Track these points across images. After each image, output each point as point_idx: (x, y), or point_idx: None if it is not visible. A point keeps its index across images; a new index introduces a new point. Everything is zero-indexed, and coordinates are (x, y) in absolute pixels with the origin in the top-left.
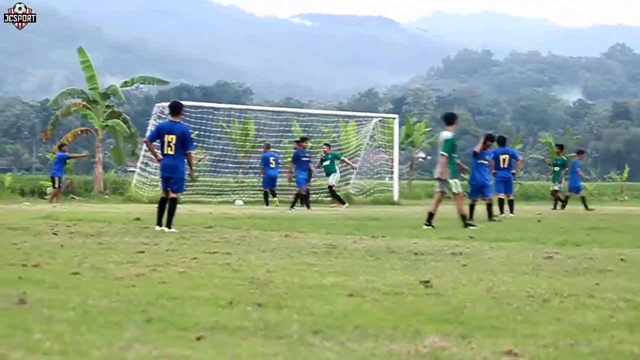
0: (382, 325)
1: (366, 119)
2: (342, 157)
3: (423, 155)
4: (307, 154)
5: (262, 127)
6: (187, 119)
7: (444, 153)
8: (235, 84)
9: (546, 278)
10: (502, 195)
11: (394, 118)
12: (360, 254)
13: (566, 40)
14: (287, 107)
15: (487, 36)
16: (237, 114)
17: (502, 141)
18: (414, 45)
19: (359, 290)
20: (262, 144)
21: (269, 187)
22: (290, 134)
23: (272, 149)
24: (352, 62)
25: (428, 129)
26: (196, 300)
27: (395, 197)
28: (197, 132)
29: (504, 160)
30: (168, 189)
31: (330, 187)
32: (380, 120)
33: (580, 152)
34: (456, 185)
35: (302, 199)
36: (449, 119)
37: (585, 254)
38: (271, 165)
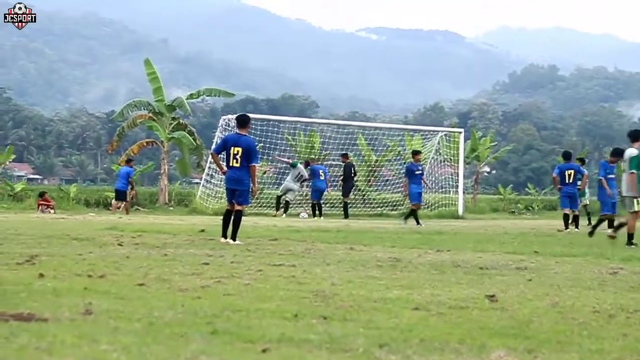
0: (448, 339)
1: (432, 132)
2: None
3: (488, 169)
4: (420, 167)
5: (327, 140)
6: (253, 131)
7: (633, 171)
8: (300, 97)
9: (611, 293)
10: (567, 211)
11: (460, 132)
12: (425, 267)
13: (634, 56)
14: (353, 120)
15: (553, 51)
16: (303, 127)
17: (567, 156)
18: (479, 59)
19: (425, 304)
20: (327, 157)
21: (317, 199)
22: (355, 147)
23: (319, 163)
24: (417, 76)
25: (493, 144)
26: (262, 313)
27: (460, 211)
28: (262, 145)
29: (569, 175)
30: (233, 201)
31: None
32: (445, 135)
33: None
34: (638, 203)
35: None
36: (635, 136)
37: None
38: (320, 178)
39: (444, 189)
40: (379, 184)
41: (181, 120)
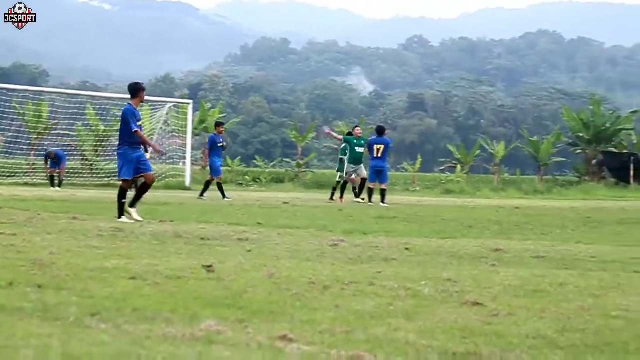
0: (161, 309)
1: (160, 103)
2: None
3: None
4: (222, 139)
5: (56, 110)
6: None
7: None
8: (32, 66)
9: (329, 265)
10: (371, 185)
11: (188, 103)
12: (147, 238)
13: (366, 31)
14: (83, 90)
15: (287, 25)
16: (32, 96)
17: (380, 131)
18: (212, 31)
19: (141, 274)
20: (55, 127)
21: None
22: (84, 117)
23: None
24: (150, 47)
25: (222, 115)
26: None
27: (187, 183)
28: None
29: (378, 150)
30: None
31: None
32: (174, 105)
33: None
34: None
35: None
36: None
37: (371, 242)
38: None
39: (172, 160)
40: (107, 154)
41: None
